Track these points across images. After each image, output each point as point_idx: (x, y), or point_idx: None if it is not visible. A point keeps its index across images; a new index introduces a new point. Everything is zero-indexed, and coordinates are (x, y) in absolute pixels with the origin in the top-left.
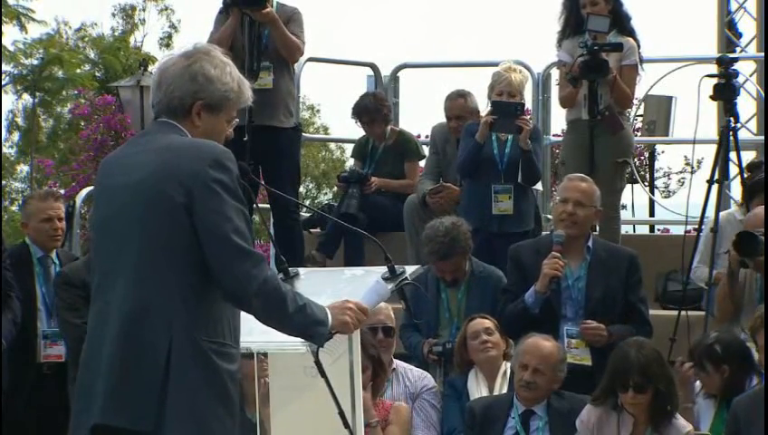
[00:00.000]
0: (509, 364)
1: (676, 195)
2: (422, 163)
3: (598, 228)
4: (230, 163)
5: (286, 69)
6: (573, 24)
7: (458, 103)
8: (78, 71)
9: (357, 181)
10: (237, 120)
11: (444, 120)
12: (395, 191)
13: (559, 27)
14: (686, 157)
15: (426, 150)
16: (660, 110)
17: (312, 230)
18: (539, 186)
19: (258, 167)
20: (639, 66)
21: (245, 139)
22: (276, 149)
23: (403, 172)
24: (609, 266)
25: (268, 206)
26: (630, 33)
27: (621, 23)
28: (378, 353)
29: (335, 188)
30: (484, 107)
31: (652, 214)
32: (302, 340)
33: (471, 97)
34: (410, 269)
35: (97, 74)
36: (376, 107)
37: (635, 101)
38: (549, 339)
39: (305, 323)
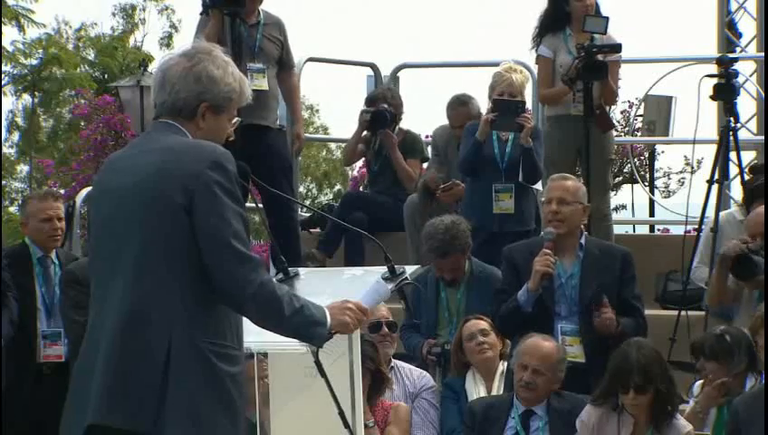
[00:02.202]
0: (506, 364)
1: (676, 195)
2: (425, 165)
3: (591, 228)
4: (230, 165)
5: (273, 73)
6: (555, 19)
7: (461, 112)
8: (77, 71)
9: (382, 120)
10: (238, 118)
11: (444, 122)
12: (397, 167)
13: (538, 21)
14: (686, 157)
15: (429, 151)
16: (660, 110)
17: (311, 230)
18: (539, 185)
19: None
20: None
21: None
22: (266, 147)
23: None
24: (602, 264)
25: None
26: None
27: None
28: (376, 366)
29: (335, 188)
30: (484, 107)
31: (652, 214)
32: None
33: (472, 102)
34: (410, 269)
35: (96, 74)
36: (391, 95)
37: (635, 101)
38: (548, 339)
39: (302, 324)
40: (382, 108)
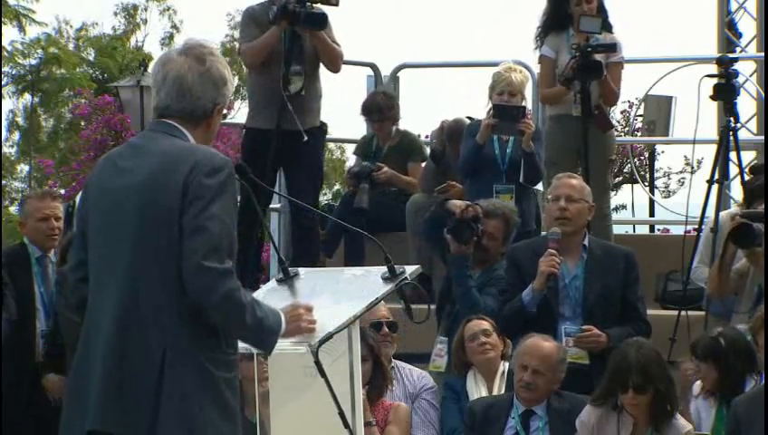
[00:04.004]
0: (507, 364)
1: (676, 195)
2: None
3: (590, 228)
4: (226, 171)
5: (317, 71)
6: (557, 20)
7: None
8: (76, 71)
9: (368, 176)
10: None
11: (440, 123)
12: (401, 187)
13: (540, 22)
14: (686, 157)
15: (428, 151)
16: (660, 110)
17: None
18: (539, 186)
19: (279, 169)
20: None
21: (250, 141)
22: (301, 148)
23: (407, 173)
24: (605, 265)
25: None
26: (609, 28)
27: (603, 19)
28: (378, 346)
29: (335, 188)
30: (484, 108)
31: (652, 214)
32: (300, 341)
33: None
34: (410, 269)
35: (95, 74)
36: (387, 105)
37: (635, 101)
38: (548, 339)
39: (259, 336)
40: (354, 170)
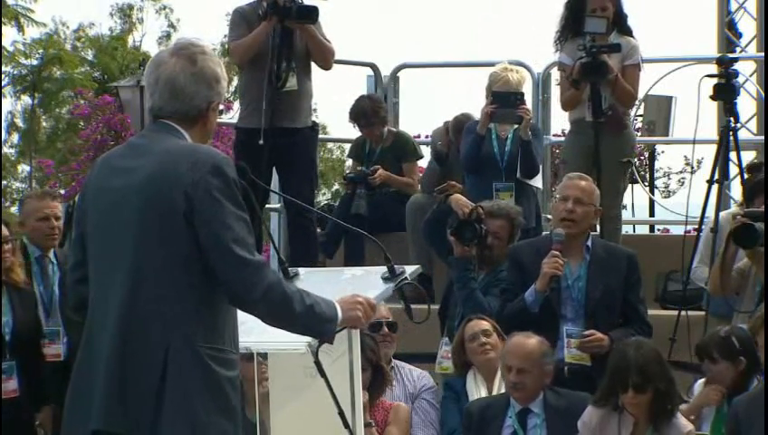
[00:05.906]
0: None
1: (676, 195)
2: (420, 163)
3: (599, 228)
4: (229, 169)
5: (308, 70)
6: (574, 27)
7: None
8: (77, 71)
9: (364, 180)
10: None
11: (443, 123)
12: (398, 187)
13: (558, 26)
14: (686, 157)
15: (423, 150)
16: (660, 110)
17: None
18: (539, 183)
19: (272, 168)
20: (641, 64)
21: (261, 142)
22: (295, 149)
23: (401, 173)
24: (608, 266)
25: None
26: (629, 32)
27: (622, 23)
28: (377, 359)
29: (334, 188)
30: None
31: (652, 214)
32: (303, 339)
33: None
34: (410, 269)
35: (95, 75)
36: (373, 109)
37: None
38: (530, 336)
39: (312, 323)
40: (350, 176)
